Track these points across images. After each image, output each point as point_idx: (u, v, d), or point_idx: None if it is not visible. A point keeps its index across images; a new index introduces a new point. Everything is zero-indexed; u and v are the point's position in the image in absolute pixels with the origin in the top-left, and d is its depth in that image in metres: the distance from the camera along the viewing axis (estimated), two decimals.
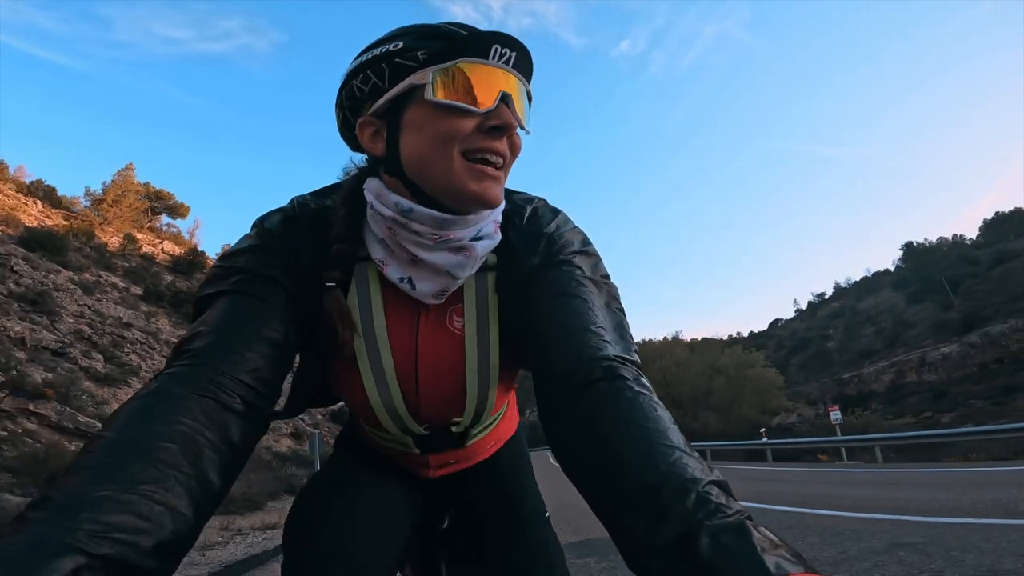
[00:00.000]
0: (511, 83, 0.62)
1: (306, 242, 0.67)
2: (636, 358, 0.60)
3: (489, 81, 0.60)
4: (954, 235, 65.42)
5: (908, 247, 57.47)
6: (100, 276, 18.38)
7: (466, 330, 0.71)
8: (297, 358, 0.72)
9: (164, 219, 37.96)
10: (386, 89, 0.62)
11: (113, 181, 35.57)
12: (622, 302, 0.70)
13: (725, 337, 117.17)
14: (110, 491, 0.40)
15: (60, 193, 33.98)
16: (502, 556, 0.82)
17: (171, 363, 0.56)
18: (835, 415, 15.25)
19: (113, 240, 29.03)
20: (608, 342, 0.59)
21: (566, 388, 0.56)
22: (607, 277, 0.71)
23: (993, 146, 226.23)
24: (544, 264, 0.68)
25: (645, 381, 0.56)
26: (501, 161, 0.62)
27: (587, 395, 0.54)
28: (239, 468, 0.55)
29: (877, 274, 79.53)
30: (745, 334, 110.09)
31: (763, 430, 19.72)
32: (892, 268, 63.70)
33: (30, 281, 12.91)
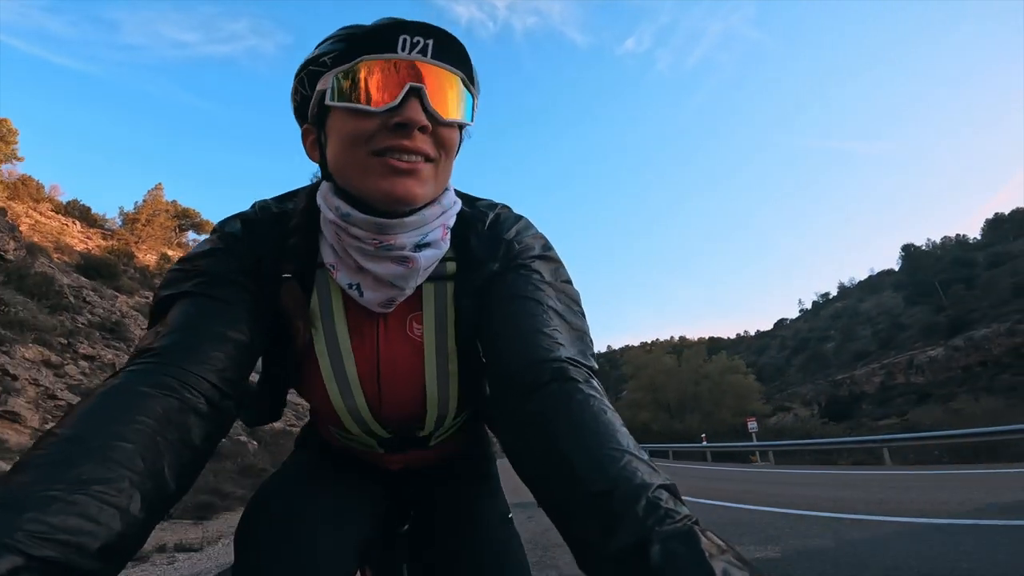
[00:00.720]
0: (427, 75, 0.58)
1: (267, 245, 0.68)
2: (592, 363, 0.61)
3: (395, 76, 0.57)
4: (957, 235, 66.30)
5: (906, 249, 58.46)
6: (148, 297, 20.88)
7: (425, 337, 0.71)
8: (260, 365, 0.73)
9: (190, 235, 40.82)
10: (309, 96, 0.64)
11: (145, 201, 38.41)
12: (582, 307, 0.71)
13: (733, 335, 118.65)
14: (57, 491, 0.38)
15: (94, 212, 36.90)
16: (464, 556, 0.81)
17: (132, 360, 0.55)
18: (752, 424, 17.91)
19: (148, 258, 31.70)
20: (561, 344, 0.59)
21: (517, 389, 0.56)
22: (568, 282, 0.72)
23: (1010, 144, 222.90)
24: (503, 270, 0.69)
25: (596, 383, 0.56)
26: (418, 157, 0.59)
27: (537, 397, 0.54)
28: (198, 469, 0.54)
29: (880, 274, 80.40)
30: (752, 332, 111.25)
31: (703, 435, 22.02)
32: (896, 268, 64.62)
33: (102, 310, 15.34)
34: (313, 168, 0.72)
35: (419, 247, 0.64)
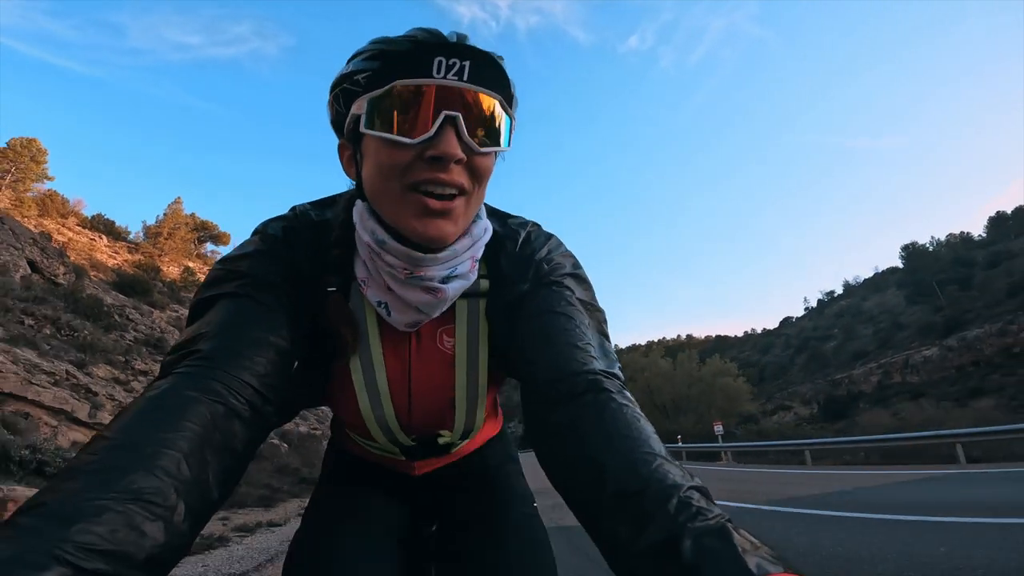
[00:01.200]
0: (463, 99, 0.56)
1: (306, 253, 0.68)
2: (620, 374, 0.62)
3: (430, 103, 0.55)
4: (961, 232, 66.56)
5: (905, 249, 59.09)
6: (178, 311, 22.69)
7: (456, 352, 0.72)
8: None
9: (208, 247, 42.77)
10: (345, 114, 0.61)
11: (165, 215, 40.46)
12: (607, 327, 0.72)
13: (741, 333, 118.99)
14: (106, 500, 0.38)
15: (118, 225, 38.84)
16: (490, 551, 0.81)
17: (178, 362, 0.55)
18: (718, 428, 19.63)
19: (172, 271, 33.59)
20: (594, 357, 0.60)
21: (551, 399, 0.57)
22: (595, 301, 0.73)
23: (1018, 141, 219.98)
24: (534, 288, 0.69)
25: (628, 394, 0.57)
26: (452, 191, 0.58)
27: (572, 406, 0.55)
28: (240, 476, 0.54)
29: (884, 272, 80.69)
30: (759, 330, 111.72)
31: (679, 436, 23.67)
32: (902, 266, 65.13)
33: (144, 327, 17.04)
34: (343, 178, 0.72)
35: (447, 279, 0.64)
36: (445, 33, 0.58)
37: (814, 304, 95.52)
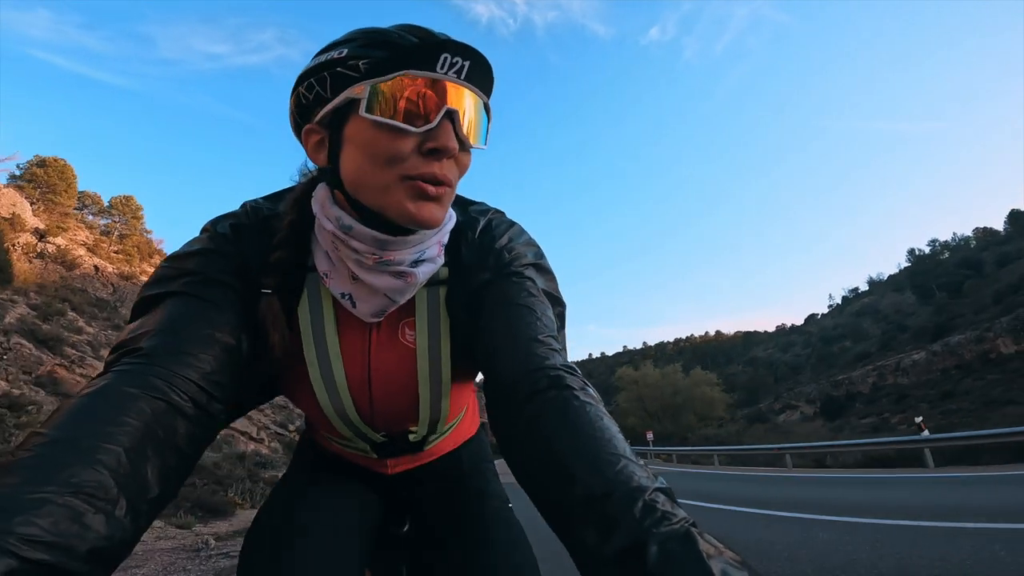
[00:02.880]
0: (460, 97, 0.57)
1: (255, 249, 0.67)
2: (576, 369, 0.61)
3: (433, 96, 0.56)
4: (984, 228, 66.98)
5: (910, 253, 60.86)
6: None
7: (417, 343, 0.72)
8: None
9: None
10: (329, 99, 0.59)
11: None
12: (565, 321, 0.72)
13: (773, 328, 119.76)
14: (47, 493, 0.38)
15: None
16: (465, 550, 0.80)
17: (118, 360, 0.54)
18: (649, 436, 23.61)
19: None
20: (556, 351, 0.60)
21: (514, 397, 0.57)
22: (558, 293, 0.73)
23: None
24: (495, 277, 0.69)
25: (592, 391, 0.57)
26: (443, 184, 0.59)
27: (535, 403, 0.54)
28: (185, 474, 0.53)
29: (903, 271, 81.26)
30: (788, 326, 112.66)
31: (650, 437, 27.71)
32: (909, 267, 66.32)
33: None
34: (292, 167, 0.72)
35: (416, 263, 0.64)
36: (437, 32, 0.59)
37: (839, 301, 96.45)
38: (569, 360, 0.63)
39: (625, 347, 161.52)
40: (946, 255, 60.76)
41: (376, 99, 0.56)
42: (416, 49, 0.56)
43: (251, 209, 0.71)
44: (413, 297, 0.70)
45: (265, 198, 0.73)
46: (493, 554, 0.80)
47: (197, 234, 0.69)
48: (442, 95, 0.56)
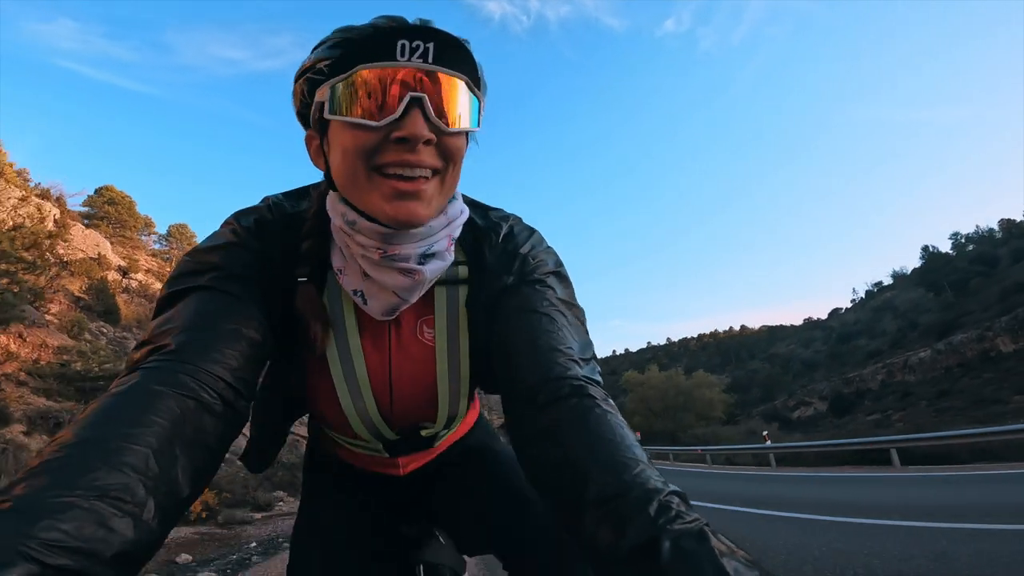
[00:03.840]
0: (430, 82, 0.55)
1: (279, 245, 0.66)
2: (601, 379, 0.62)
3: (396, 85, 0.54)
4: (1009, 219, 66.22)
5: (924, 250, 61.16)
6: None
7: (436, 341, 0.72)
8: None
9: None
10: (311, 104, 0.60)
11: None
12: (587, 326, 0.71)
13: (800, 321, 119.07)
14: (73, 497, 0.38)
15: None
16: (489, 504, 0.83)
17: (146, 358, 0.53)
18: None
19: None
20: (577, 362, 0.61)
21: (534, 402, 0.57)
22: (575, 300, 0.73)
23: None
24: (517, 283, 0.70)
25: (612, 403, 0.57)
26: (425, 172, 0.57)
27: (556, 409, 0.55)
28: (213, 472, 0.53)
29: (919, 268, 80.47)
30: (815, 319, 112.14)
31: (637, 432, 30.37)
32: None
33: None
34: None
35: (424, 258, 0.63)
36: (410, 19, 0.57)
37: (863, 295, 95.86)
38: (598, 362, 0.67)
39: (649, 343, 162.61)
40: (970, 248, 60.74)
41: (336, 99, 0.56)
42: (369, 41, 0.55)
43: (273, 205, 0.71)
44: (432, 295, 0.71)
45: (285, 195, 0.74)
46: (510, 508, 0.82)
47: (219, 228, 0.69)
48: (407, 82, 0.55)
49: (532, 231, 0.77)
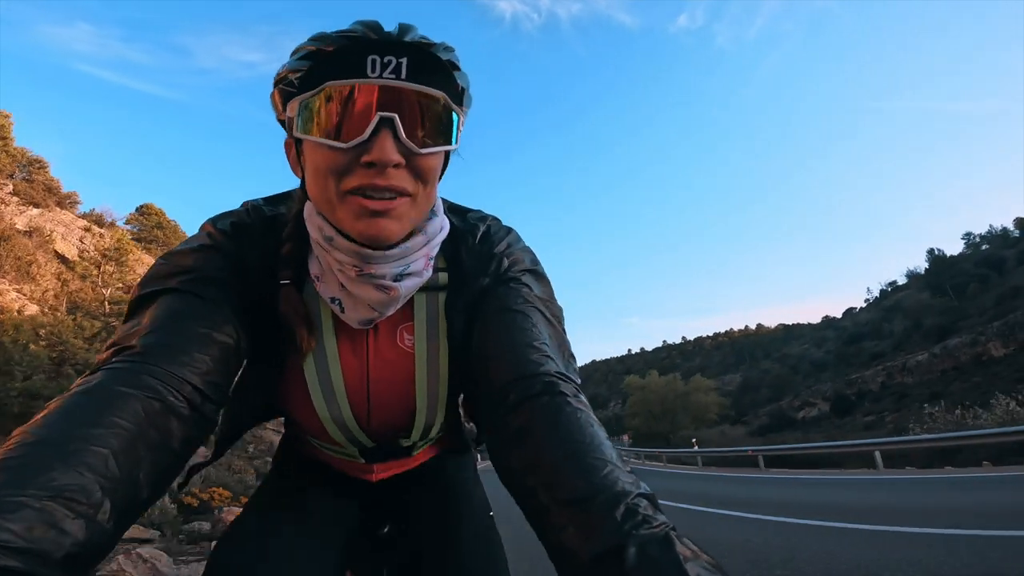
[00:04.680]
0: (401, 100, 0.53)
1: (257, 249, 0.66)
2: (575, 376, 0.61)
3: (364, 104, 0.52)
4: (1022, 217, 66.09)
5: (930, 253, 61.91)
6: None
7: (416, 348, 0.71)
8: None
9: None
10: (285, 114, 0.58)
11: None
12: (564, 324, 0.71)
13: (818, 320, 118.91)
14: (24, 497, 0.37)
15: None
16: (444, 557, 0.80)
17: (111, 358, 0.52)
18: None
19: None
20: (550, 358, 0.60)
21: (507, 402, 0.57)
22: (553, 297, 0.73)
23: None
24: (493, 283, 0.69)
25: (583, 398, 0.57)
26: (392, 195, 0.55)
27: (526, 408, 0.55)
28: (174, 475, 0.52)
29: (925, 271, 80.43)
30: (833, 316, 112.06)
31: (626, 435, 32.28)
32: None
33: None
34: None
35: (400, 277, 0.62)
36: (387, 27, 0.55)
37: (877, 295, 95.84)
38: (575, 360, 0.67)
39: (665, 342, 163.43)
40: (984, 248, 61.34)
41: (303, 116, 0.54)
42: (338, 55, 0.52)
43: (252, 209, 0.70)
44: (412, 302, 0.70)
45: (265, 199, 0.73)
46: (470, 562, 0.80)
47: (196, 231, 0.68)
48: (377, 101, 0.52)
49: (508, 230, 0.76)
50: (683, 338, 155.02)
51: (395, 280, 0.62)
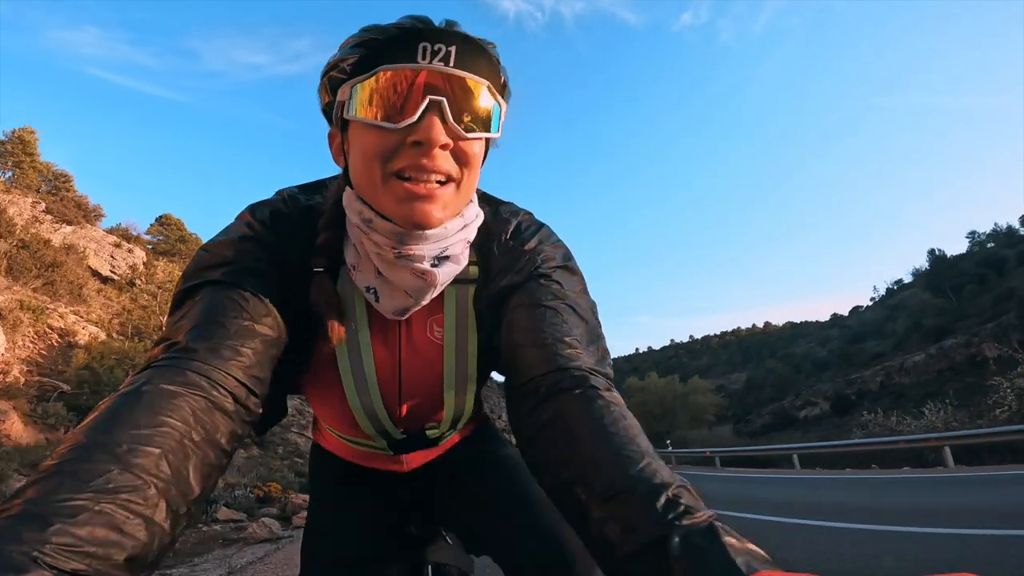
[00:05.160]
0: (449, 85, 0.55)
1: (295, 239, 0.66)
2: (608, 370, 0.62)
3: (415, 88, 0.55)
4: None
5: (931, 253, 62.37)
6: None
7: (445, 340, 0.72)
8: None
9: None
10: (333, 102, 0.61)
11: None
12: (599, 318, 0.71)
13: (827, 317, 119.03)
14: (83, 500, 0.38)
15: None
16: (491, 506, 0.81)
17: (159, 356, 0.53)
18: None
19: None
20: (582, 353, 0.60)
21: (537, 395, 0.57)
22: (586, 293, 0.72)
23: None
24: (523, 279, 0.69)
25: (616, 393, 0.57)
26: (439, 178, 0.57)
27: (558, 402, 0.55)
28: (222, 471, 0.52)
29: (925, 271, 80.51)
30: (840, 313, 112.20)
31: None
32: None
33: None
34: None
35: (439, 260, 0.63)
36: (435, 21, 0.57)
37: (883, 292, 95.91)
38: (609, 355, 0.66)
39: (672, 340, 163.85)
40: (990, 246, 61.72)
41: (356, 99, 0.56)
42: (391, 42, 0.55)
43: (289, 198, 0.70)
44: (442, 294, 0.70)
45: (300, 188, 0.73)
46: (514, 503, 0.81)
47: (233, 221, 0.68)
48: (427, 86, 0.55)
49: (541, 226, 0.76)
50: (691, 337, 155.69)
51: (433, 264, 0.63)
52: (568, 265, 0.73)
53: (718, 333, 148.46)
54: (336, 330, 0.66)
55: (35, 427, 8.10)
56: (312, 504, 0.94)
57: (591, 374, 0.58)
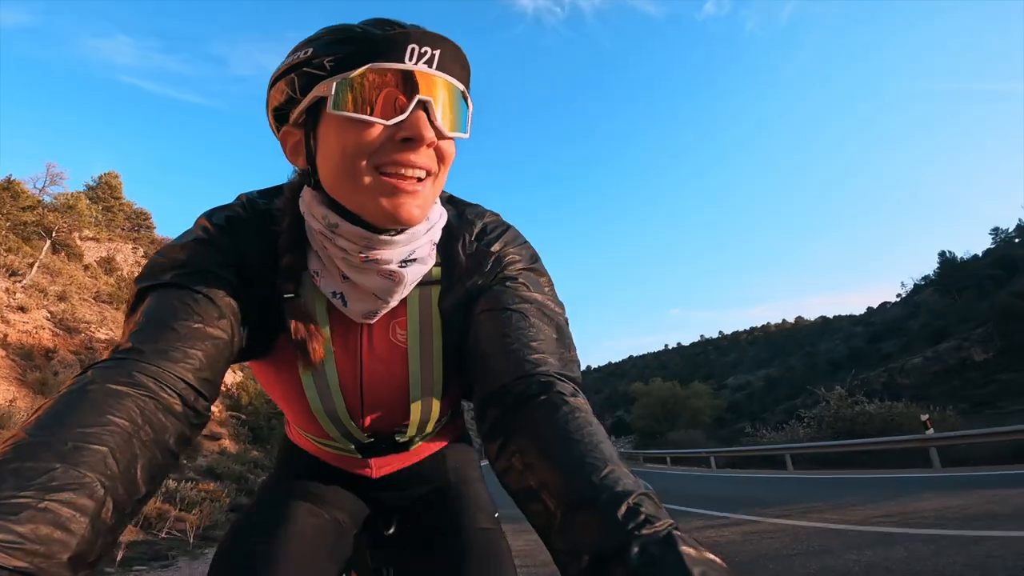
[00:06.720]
0: (433, 87, 0.57)
1: (253, 244, 0.66)
2: (576, 374, 0.61)
3: (404, 87, 0.56)
4: None
5: (941, 255, 63.32)
6: None
7: (409, 343, 0.71)
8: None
9: None
10: (299, 100, 0.59)
11: None
12: (567, 319, 0.70)
13: (863, 310, 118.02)
14: (26, 498, 0.38)
15: None
16: (448, 556, 0.79)
17: (108, 356, 0.53)
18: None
19: None
20: (548, 358, 0.60)
21: (503, 401, 0.57)
22: (554, 295, 0.72)
23: None
24: (489, 281, 0.69)
25: (582, 398, 0.57)
26: (421, 174, 0.58)
27: (523, 409, 0.55)
28: (169, 471, 0.52)
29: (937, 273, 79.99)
30: (872, 306, 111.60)
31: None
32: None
33: None
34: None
35: (405, 263, 0.63)
36: (406, 23, 0.58)
37: (911, 288, 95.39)
38: (577, 358, 0.66)
39: (702, 336, 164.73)
40: (1015, 242, 62.44)
41: (343, 95, 0.55)
42: (382, 41, 0.55)
43: (247, 202, 0.70)
44: (405, 297, 0.69)
45: (259, 192, 0.73)
46: (473, 557, 0.78)
47: (191, 225, 0.67)
48: (413, 85, 0.56)
49: (507, 228, 0.76)
50: (720, 333, 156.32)
51: (401, 265, 0.63)
52: (534, 267, 0.74)
53: (747, 329, 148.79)
54: (317, 353, 0.67)
55: None
56: (263, 491, 0.90)
57: (557, 379, 0.58)
